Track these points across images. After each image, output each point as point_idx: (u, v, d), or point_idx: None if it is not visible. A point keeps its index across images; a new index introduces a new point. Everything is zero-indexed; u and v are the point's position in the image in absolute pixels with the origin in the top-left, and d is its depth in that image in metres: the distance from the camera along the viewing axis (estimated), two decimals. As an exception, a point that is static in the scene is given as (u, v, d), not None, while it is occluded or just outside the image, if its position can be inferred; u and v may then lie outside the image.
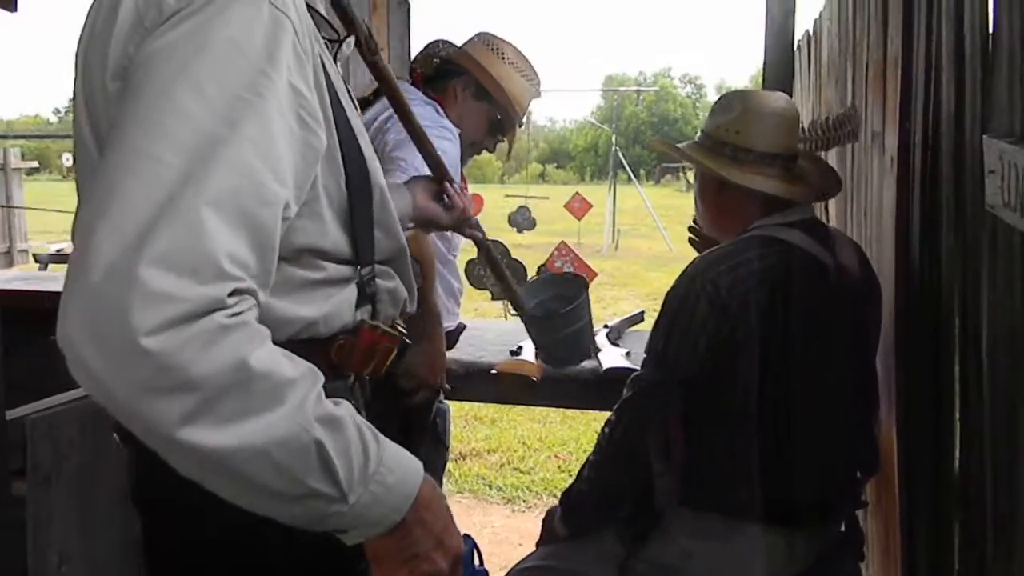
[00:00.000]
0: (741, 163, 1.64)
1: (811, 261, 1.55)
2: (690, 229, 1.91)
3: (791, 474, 1.53)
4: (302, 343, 0.92)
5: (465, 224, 1.62)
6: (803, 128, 1.78)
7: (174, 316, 0.71)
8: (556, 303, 2.07)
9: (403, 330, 1.09)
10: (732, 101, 1.69)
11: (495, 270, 1.80)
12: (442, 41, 2.25)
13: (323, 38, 1.02)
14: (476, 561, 1.14)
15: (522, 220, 12.84)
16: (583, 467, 1.66)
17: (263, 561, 0.97)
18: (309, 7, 0.97)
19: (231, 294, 0.75)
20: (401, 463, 0.87)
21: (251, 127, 0.79)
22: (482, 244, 1.76)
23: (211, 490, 0.78)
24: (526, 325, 2.01)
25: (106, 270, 0.70)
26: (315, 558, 0.96)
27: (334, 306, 0.98)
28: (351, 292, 1.01)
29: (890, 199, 1.67)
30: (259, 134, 0.80)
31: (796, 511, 1.53)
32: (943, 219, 1.42)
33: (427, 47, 2.25)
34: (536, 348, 2.19)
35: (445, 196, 1.53)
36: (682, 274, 1.57)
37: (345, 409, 0.83)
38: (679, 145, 1.76)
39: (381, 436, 0.86)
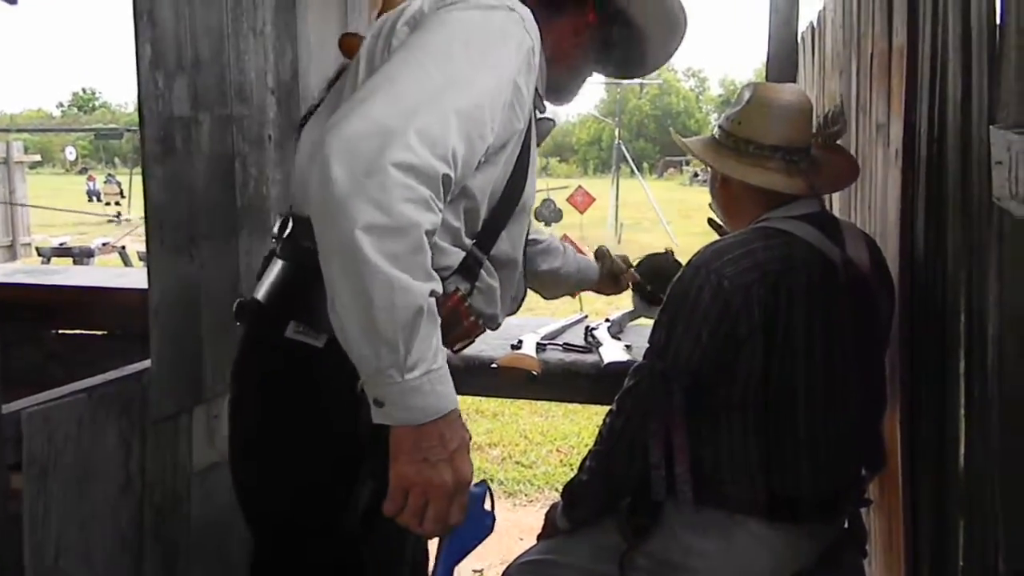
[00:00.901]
0: (741, 155, 1.62)
1: (815, 255, 1.53)
2: (711, 207, 1.87)
3: (795, 470, 1.51)
4: None
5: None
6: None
7: (412, 163, 1.02)
8: (653, 277, 2.27)
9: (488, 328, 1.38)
10: (743, 92, 1.67)
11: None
12: None
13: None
14: (488, 506, 1.23)
15: (548, 213, 12.83)
16: (585, 458, 1.65)
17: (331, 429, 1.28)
18: None
19: (443, 179, 1.05)
20: (448, 385, 1.09)
21: (490, 83, 1.15)
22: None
23: (332, 290, 1.04)
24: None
25: (374, 124, 1.03)
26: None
27: (442, 255, 1.23)
28: (456, 258, 1.27)
29: (895, 191, 1.66)
30: (493, 90, 1.15)
31: (799, 507, 1.52)
32: (949, 211, 1.41)
33: None
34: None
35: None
36: (687, 264, 1.55)
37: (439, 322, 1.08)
38: (684, 139, 1.74)
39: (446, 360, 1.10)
